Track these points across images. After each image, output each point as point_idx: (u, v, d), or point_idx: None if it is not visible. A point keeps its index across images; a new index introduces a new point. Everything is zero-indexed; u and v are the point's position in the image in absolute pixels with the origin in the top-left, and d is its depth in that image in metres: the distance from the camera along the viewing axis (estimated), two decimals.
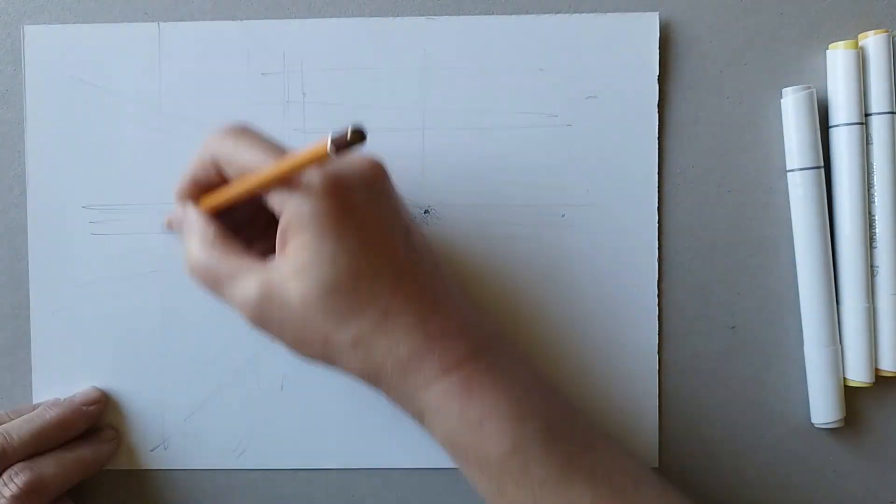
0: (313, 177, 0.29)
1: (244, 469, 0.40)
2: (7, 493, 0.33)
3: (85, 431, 0.38)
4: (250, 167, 0.30)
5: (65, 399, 0.38)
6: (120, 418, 0.39)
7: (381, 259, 0.30)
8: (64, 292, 0.39)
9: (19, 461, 0.34)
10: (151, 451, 0.39)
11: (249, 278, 0.30)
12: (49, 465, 0.35)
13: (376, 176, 0.31)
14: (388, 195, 0.32)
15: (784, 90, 0.38)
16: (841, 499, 0.39)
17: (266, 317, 0.30)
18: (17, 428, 0.35)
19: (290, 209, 0.29)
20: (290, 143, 0.39)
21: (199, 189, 0.33)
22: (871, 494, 0.39)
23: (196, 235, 0.31)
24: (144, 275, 0.39)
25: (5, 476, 0.33)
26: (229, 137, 0.31)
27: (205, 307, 0.39)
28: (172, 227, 0.34)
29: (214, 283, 0.31)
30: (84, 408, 0.37)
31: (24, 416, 0.36)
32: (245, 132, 0.31)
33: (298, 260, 0.29)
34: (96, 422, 0.38)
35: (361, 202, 0.30)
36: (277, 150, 0.30)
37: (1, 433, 0.34)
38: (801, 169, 0.38)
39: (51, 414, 0.36)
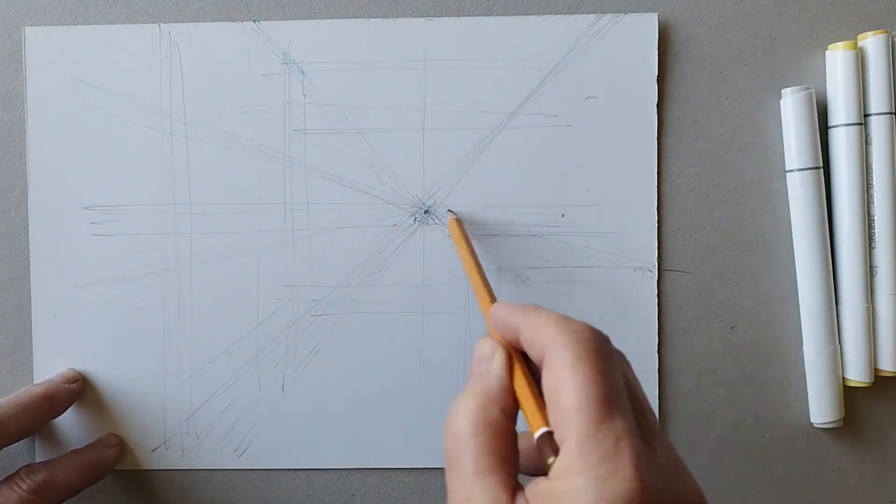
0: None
1: (245, 469, 0.40)
2: (24, 486, 0.35)
3: (92, 440, 0.39)
4: (563, 404, 0.24)
5: (44, 380, 0.39)
6: (121, 419, 0.39)
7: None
8: (65, 293, 0.39)
9: (12, 435, 0.35)
10: (153, 451, 0.39)
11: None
12: (60, 469, 0.36)
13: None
14: None
15: (783, 91, 0.38)
16: (840, 498, 0.39)
17: None
18: (6, 403, 0.36)
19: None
20: (290, 144, 0.39)
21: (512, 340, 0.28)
22: (870, 494, 0.39)
23: (483, 394, 0.26)
24: (145, 276, 0.39)
25: (23, 472, 0.35)
26: (574, 348, 0.25)
27: (206, 308, 0.39)
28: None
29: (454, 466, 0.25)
30: (66, 385, 0.38)
31: (11, 395, 0.37)
32: (594, 354, 0.25)
33: None
34: (78, 398, 0.39)
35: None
36: (599, 401, 0.24)
37: None
38: (801, 169, 0.38)
39: (37, 389, 0.37)
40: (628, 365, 0.27)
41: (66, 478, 0.36)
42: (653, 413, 0.26)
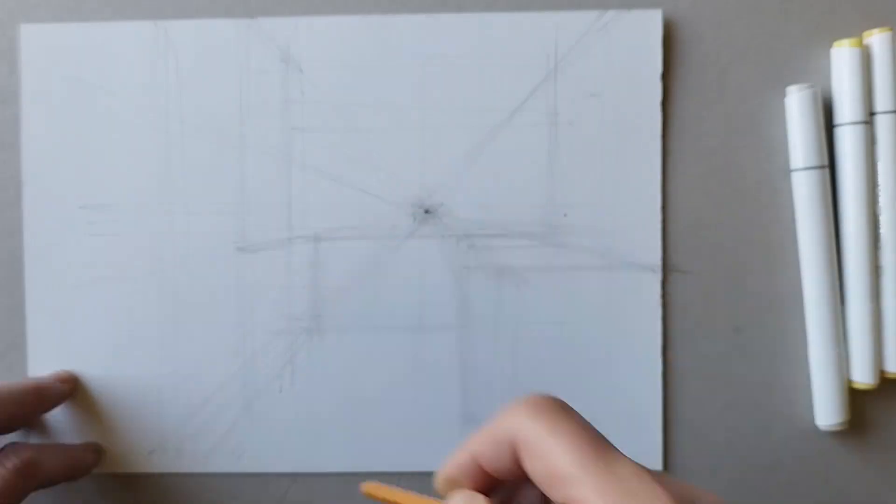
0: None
1: (243, 473, 0.39)
2: (9, 464, 0.34)
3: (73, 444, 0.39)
4: (561, 472, 0.22)
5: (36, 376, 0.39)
6: (117, 420, 0.39)
7: None
8: (60, 293, 0.39)
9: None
10: (149, 454, 0.39)
11: None
12: (46, 454, 0.36)
13: None
14: None
15: (788, 88, 0.38)
16: (845, 501, 0.39)
17: None
18: None
19: None
20: (288, 141, 0.39)
21: (477, 475, 0.26)
22: (875, 496, 0.39)
23: None
24: (142, 276, 0.39)
25: (9, 449, 0.35)
26: (541, 417, 0.24)
27: (203, 309, 0.39)
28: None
29: None
30: (57, 382, 0.38)
31: (2, 382, 0.36)
32: (562, 412, 0.24)
33: None
34: (68, 399, 0.39)
35: None
36: (594, 446, 0.23)
37: None
38: (806, 168, 0.37)
39: (28, 381, 0.37)
40: None
41: (51, 464, 0.36)
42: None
